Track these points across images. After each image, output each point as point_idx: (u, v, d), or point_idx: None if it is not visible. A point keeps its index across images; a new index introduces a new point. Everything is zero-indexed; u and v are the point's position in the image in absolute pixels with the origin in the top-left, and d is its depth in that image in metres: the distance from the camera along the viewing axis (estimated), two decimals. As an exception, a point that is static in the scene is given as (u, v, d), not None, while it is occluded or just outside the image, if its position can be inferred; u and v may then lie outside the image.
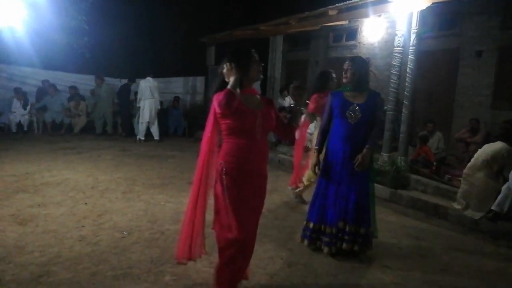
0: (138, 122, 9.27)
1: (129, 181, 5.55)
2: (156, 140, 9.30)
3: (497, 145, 4.50)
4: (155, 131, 9.32)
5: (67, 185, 5.11)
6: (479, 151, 4.67)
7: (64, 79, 10.53)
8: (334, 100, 3.35)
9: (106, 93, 9.90)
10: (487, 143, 4.77)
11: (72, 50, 10.03)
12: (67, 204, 4.37)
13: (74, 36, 9.99)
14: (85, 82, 10.77)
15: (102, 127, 10.04)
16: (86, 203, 4.43)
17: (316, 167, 3.34)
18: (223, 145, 2.40)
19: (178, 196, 4.95)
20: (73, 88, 10.10)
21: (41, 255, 3.09)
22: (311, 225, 3.39)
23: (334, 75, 4.72)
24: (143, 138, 9.19)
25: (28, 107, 9.30)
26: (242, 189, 2.34)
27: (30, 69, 10.09)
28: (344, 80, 3.38)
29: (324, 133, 3.38)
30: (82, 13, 9.51)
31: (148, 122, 9.17)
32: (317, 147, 3.38)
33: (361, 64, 3.35)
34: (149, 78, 9.08)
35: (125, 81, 10.39)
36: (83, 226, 3.74)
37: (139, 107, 9.07)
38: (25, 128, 9.31)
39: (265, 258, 3.29)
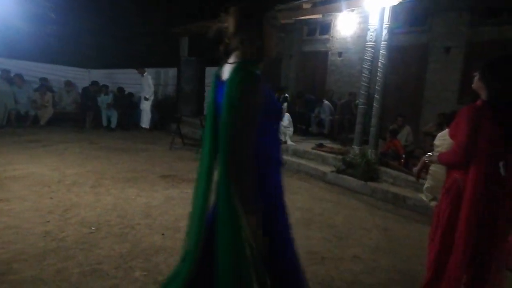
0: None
1: (98, 174, 5.39)
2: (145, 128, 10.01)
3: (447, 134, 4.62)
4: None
5: (32, 179, 4.90)
6: (436, 143, 4.78)
7: (29, 69, 10.06)
8: (268, 94, 1.61)
9: None
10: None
11: (37, 38, 9.62)
12: (32, 199, 4.19)
13: (39, 24, 9.59)
14: (53, 72, 10.37)
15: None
16: (51, 198, 4.26)
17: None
18: None
19: (149, 190, 4.85)
20: (43, 79, 9.72)
21: (3, 252, 2.95)
22: None
23: None
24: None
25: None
26: None
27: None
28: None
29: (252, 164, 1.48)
30: (49, 1, 9.13)
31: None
32: (253, 205, 1.46)
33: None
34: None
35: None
36: (48, 222, 3.60)
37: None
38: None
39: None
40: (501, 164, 2.11)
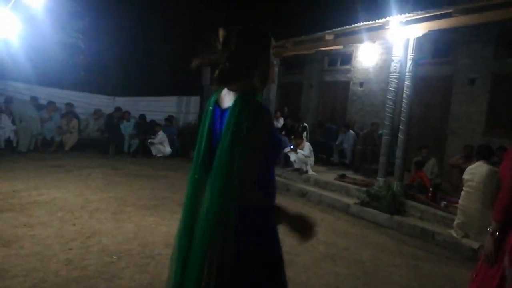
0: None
1: (119, 201, 5.39)
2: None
3: (480, 168, 4.45)
4: None
5: (55, 205, 4.93)
6: (466, 177, 4.61)
7: (57, 96, 10.38)
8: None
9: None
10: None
11: (67, 67, 9.97)
12: (55, 224, 4.19)
13: (70, 53, 9.96)
14: (80, 99, 10.68)
15: None
16: (74, 224, 4.26)
17: None
18: None
19: (170, 218, 4.79)
20: (69, 105, 9.99)
21: (24, 280, 2.92)
22: None
23: None
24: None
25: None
26: None
27: (23, 84, 9.94)
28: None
29: None
30: (79, 31, 9.50)
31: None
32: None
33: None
34: None
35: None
36: (71, 249, 3.57)
37: None
38: (14, 144, 9.09)
39: None
40: None
